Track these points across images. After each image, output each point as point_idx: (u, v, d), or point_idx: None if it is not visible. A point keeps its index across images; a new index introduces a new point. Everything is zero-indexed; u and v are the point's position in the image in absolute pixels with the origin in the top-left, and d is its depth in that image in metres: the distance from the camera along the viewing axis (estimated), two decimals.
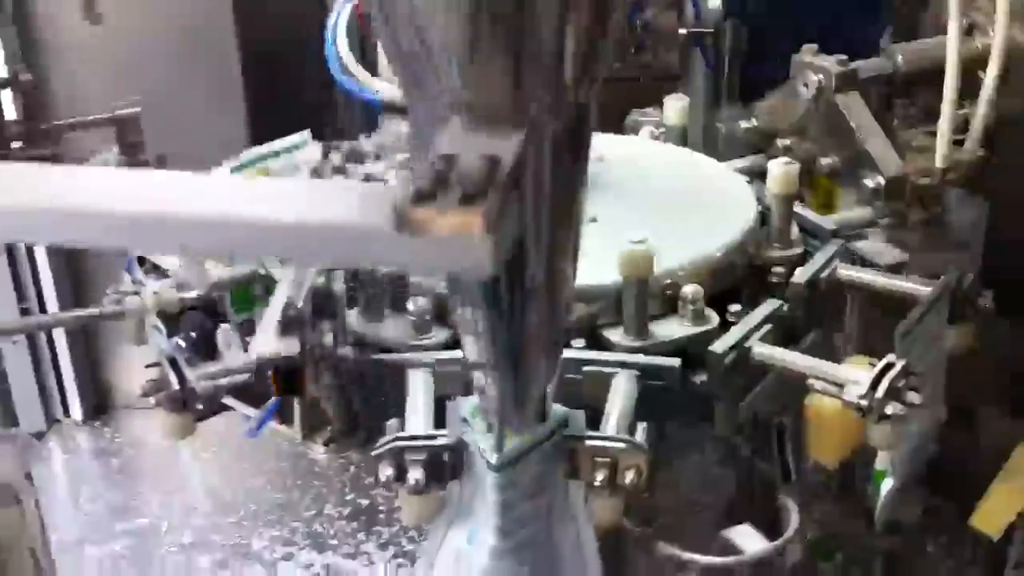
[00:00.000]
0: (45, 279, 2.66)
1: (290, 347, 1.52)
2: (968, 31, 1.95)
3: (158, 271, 2.03)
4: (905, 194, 1.89)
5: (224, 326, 1.76)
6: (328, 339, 1.57)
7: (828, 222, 1.75)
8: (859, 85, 1.92)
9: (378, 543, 2.18)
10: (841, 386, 1.39)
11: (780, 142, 2.01)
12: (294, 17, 2.49)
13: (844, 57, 1.95)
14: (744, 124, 2.10)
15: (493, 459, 1.23)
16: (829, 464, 1.60)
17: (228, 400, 1.76)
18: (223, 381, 1.52)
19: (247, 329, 1.81)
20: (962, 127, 1.90)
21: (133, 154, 1.88)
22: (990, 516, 1.85)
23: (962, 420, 2.00)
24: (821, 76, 1.94)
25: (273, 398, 2.00)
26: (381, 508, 2.27)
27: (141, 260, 2.10)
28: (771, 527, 1.68)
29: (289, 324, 1.65)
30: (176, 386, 1.44)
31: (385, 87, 1.91)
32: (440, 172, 0.78)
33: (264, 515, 2.29)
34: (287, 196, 0.86)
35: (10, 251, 2.57)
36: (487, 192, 0.77)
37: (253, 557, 2.19)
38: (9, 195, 0.84)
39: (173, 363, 1.46)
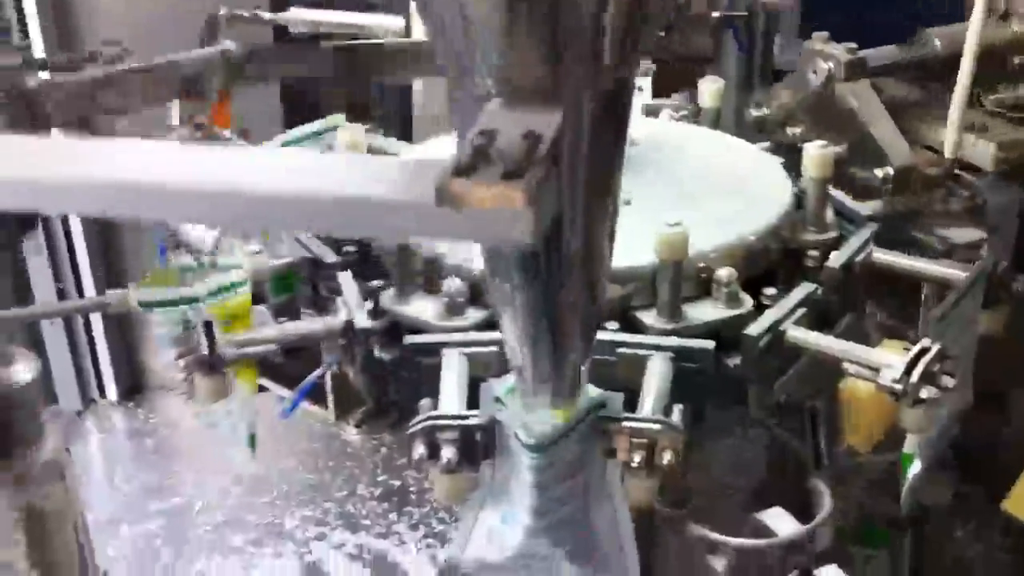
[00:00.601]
0: (81, 259, 2.69)
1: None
2: (1004, 16, 1.94)
3: (191, 252, 2.06)
4: (912, 183, 1.88)
5: (259, 307, 1.78)
6: (360, 319, 1.59)
7: (864, 207, 1.75)
8: (869, 73, 1.91)
9: (409, 524, 2.19)
10: (876, 370, 1.40)
11: (790, 130, 2.00)
12: None
13: (854, 45, 1.94)
14: (755, 112, 2.09)
15: (530, 440, 1.23)
16: (862, 448, 1.60)
17: (263, 381, 1.79)
18: (251, 349, 1.54)
19: (281, 311, 1.83)
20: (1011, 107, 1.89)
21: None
22: (1022, 501, 1.84)
23: (993, 404, 2.00)
24: (831, 64, 1.93)
25: (307, 379, 2.03)
26: (412, 489, 2.28)
27: (172, 239, 2.12)
28: (802, 510, 1.68)
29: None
30: (206, 350, 1.47)
31: None
32: (481, 147, 0.79)
33: (296, 495, 2.31)
34: (332, 170, 0.88)
35: (47, 232, 2.61)
36: (528, 167, 0.78)
37: (286, 536, 2.21)
38: (56, 167, 0.87)
39: (208, 327, 1.49)
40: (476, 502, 1.39)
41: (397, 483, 2.29)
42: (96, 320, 2.74)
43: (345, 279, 1.68)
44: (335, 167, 0.89)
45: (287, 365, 1.72)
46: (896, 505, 1.88)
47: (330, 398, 2.15)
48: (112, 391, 2.79)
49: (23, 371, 1.15)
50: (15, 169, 0.86)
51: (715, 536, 1.55)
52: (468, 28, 0.83)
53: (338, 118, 2.00)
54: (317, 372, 2.01)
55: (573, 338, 1.16)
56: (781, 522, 1.55)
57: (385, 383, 1.63)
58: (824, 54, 1.92)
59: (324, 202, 0.84)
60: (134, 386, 2.81)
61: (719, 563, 1.60)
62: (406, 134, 2.38)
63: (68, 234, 2.63)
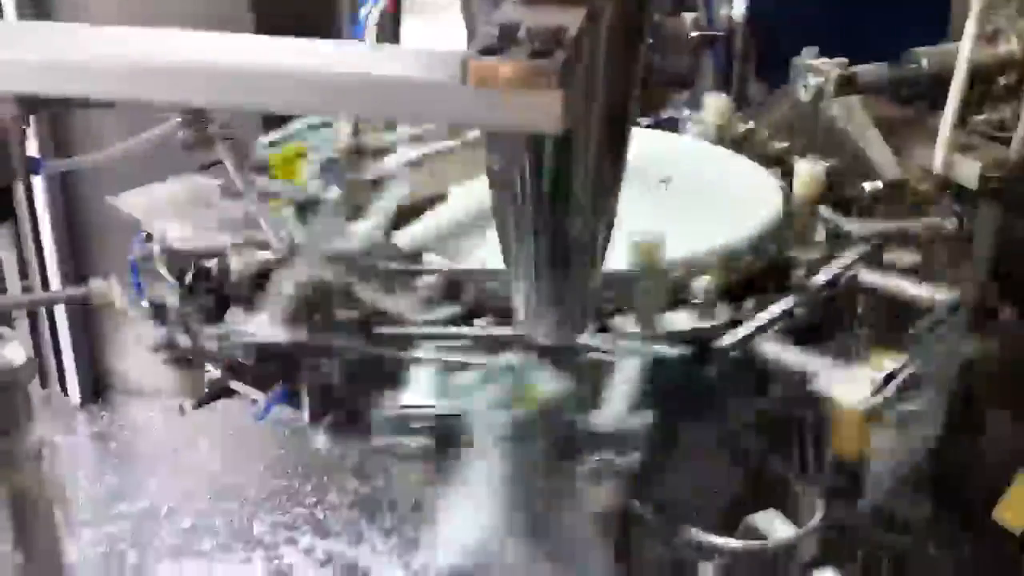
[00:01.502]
0: (49, 256, 2.64)
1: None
2: (992, 37, 1.96)
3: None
4: (904, 198, 1.89)
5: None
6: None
7: (855, 226, 1.75)
8: (859, 89, 1.93)
9: (381, 530, 2.17)
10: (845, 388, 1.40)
11: (775, 144, 2.01)
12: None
13: (844, 60, 1.96)
14: (742, 127, 2.09)
15: (503, 431, 1.22)
16: (851, 456, 1.59)
17: (235, 384, 1.76)
18: (233, 341, 1.51)
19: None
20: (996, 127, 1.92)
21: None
22: (1013, 509, 1.84)
23: (970, 423, 2.01)
24: (821, 79, 1.94)
25: (281, 383, 2.00)
26: (382, 497, 2.25)
27: (148, 238, 2.09)
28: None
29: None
30: (187, 343, 1.43)
31: None
32: (507, 30, 0.77)
33: (265, 500, 2.27)
34: (359, 56, 0.88)
35: (16, 228, 2.56)
36: (556, 48, 0.76)
37: (254, 541, 2.17)
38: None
39: (184, 319, 1.46)
40: (446, 499, 1.37)
41: (367, 490, 2.26)
42: (61, 321, 2.68)
43: None
44: (362, 52, 0.88)
45: (259, 368, 1.69)
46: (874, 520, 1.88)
47: (305, 402, 2.13)
48: (75, 393, 2.74)
49: (14, 353, 1.12)
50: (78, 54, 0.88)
51: (711, 539, 1.53)
52: None
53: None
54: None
55: (576, 272, 1.14)
56: (774, 525, 1.54)
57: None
58: (815, 69, 1.93)
59: (352, 84, 0.83)
60: (97, 389, 2.75)
61: (707, 569, 1.59)
62: None
63: (36, 231, 2.59)
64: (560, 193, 0.99)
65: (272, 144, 1.84)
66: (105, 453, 2.49)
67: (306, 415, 2.17)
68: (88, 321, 2.75)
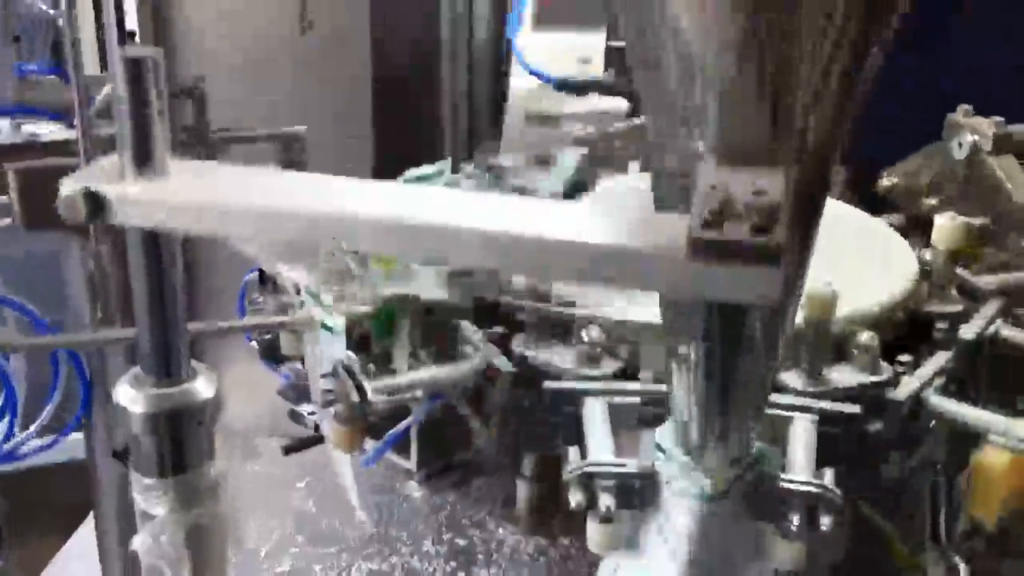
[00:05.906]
0: None
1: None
2: None
3: (277, 289, 2.03)
4: None
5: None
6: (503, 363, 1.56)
7: (987, 282, 1.74)
8: (1013, 146, 1.94)
9: None
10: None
11: (926, 201, 2.01)
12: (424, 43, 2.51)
13: (1001, 119, 1.97)
14: (884, 182, 2.10)
15: (703, 489, 1.21)
16: (989, 522, 1.57)
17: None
18: (399, 396, 1.51)
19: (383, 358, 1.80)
20: None
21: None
22: None
23: None
24: (976, 136, 1.95)
25: (396, 428, 1.99)
26: (479, 550, 2.23)
27: (262, 278, 2.09)
28: None
29: None
30: (355, 397, 1.43)
31: None
32: (726, 202, 0.77)
33: (361, 548, 2.25)
34: (580, 219, 0.88)
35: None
36: (774, 224, 0.76)
37: None
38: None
39: (351, 374, 1.45)
40: (609, 565, 1.36)
41: (463, 542, 2.24)
42: None
43: (468, 326, 1.65)
44: (577, 216, 0.89)
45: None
46: None
47: (413, 449, 2.12)
48: None
49: (205, 386, 1.12)
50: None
51: None
52: (690, 77, 0.78)
53: (444, 163, 2.03)
54: (406, 422, 1.99)
55: (745, 406, 1.14)
56: None
57: (516, 431, 1.59)
58: (970, 126, 1.94)
59: (568, 250, 0.84)
60: None
61: None
62: None
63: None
64: (735, 340, 0.99)
65: None
66: None
67: (413, 463, 2.17)
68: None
